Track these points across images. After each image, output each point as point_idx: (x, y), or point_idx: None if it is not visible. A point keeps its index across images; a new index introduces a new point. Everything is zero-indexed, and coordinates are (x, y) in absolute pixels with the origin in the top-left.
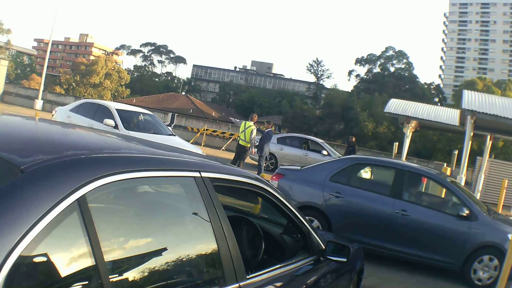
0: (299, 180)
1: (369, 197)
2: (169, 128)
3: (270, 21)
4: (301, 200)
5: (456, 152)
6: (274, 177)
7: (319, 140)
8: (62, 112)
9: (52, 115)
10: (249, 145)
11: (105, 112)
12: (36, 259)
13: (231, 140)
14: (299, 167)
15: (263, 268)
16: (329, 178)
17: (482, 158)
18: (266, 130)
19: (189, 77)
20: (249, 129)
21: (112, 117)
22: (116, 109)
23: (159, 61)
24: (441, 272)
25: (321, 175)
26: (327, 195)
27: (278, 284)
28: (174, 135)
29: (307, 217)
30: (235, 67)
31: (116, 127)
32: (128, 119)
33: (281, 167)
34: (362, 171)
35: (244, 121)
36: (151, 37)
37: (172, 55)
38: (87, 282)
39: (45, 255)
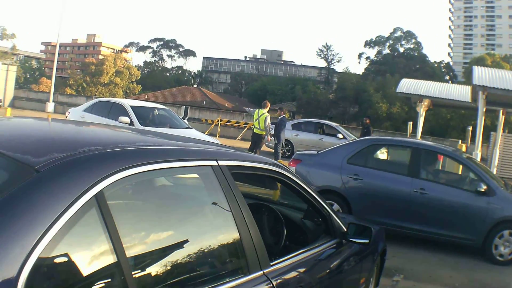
0: (317, 165)
1: (387, 178)
2: (185, 121)
3: (277, 9)
4: (319, 184)
5: (470, 128)
6: (291, 163)
7: (334, 124)
8: (75, 113)
9: (66, 117)
10: (264, 133)
11: (119, 110)
12: (57, 259)
13: (246, 129)
14: (315, 152)
15: (286, 254)
16: (346, 161)
17: (496, 134)
18: (280, 117)
19: (200, 69)
20: (262, 117)
21: (127, 114)
22: (131, 106)
23: (169, 56)
24: (462, 250)
25: (338, 158)
26: (345, 178)
27: (302, 269)
28: (191, 128)
29: (326, 201)
30: (245, 57)
31: (131, 124)
32: (143, 115)
33: (297, 152)
34: (378, 152)
35: (257, 109)
36: (159, 32)
37: (181, 49)
38: (110, 280)
39: (65, 254)
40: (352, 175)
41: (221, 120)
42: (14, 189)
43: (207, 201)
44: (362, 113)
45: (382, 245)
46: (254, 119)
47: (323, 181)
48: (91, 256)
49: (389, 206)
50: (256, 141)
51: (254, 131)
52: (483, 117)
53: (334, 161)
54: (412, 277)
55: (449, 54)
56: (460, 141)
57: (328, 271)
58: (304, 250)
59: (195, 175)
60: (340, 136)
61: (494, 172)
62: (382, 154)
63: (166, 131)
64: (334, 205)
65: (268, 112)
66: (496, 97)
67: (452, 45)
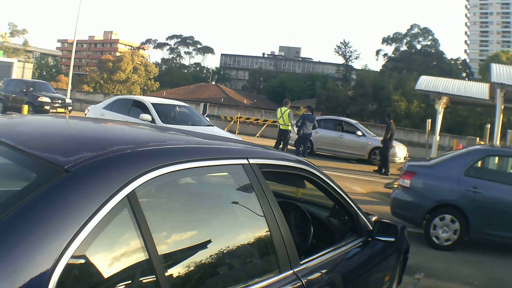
0: (433, 177)
1: (508, 190)
2: (206, 118)
3: (295, 5)
4: (436, 198)
5: (489, 126)
6: (405, 176)
7: (353, 121)
8: (95, 110)
9: (85, 114)
10: (289, 128)
11: (141, 107)
12: (89, 260)
13: (265, 126)
14: (428, 163)
15: (314, 252)
16: (463, 173)
17: None
18: (303, 115)
19: (218, 66)
20: (286, 113)
21: (148, 112)
22: (152, 103)
23: (186, 53)
24: (484, 248)
25: (455, 171)
26: (463, 191)
27: (331, 267)
28: (213, 126)
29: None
30: (263, 54)
31: (153, 121)
32: (165, 113)
33: (409, 163)
34: (495, 163)
35: (279, 108)
36: (177, 29)
37: (199, 46)
38: (142, 279)
39: (97, 255)
40: (470, 188)
41: (240, 117)
42: (43, 190)
43: (238, 199)
44: (381, 110)
45: (406, 243)
46: (278, 117)
47: (441, 194)
48: (123, 256)
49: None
50: (283, 136)
51: (280, 127)
52: (501, 115)
53: (450, 173)
54: (433, 275)
55: (465, 51)
56: (478, 138)
57: (355, 269)
58: (332, 249)
59: (226, 174)
60: (359, 133)
61: None
62: (499, 165)
63: (188, 128)
64: (446, 218)
65: (284, 107)
66: None
67: (468, 42)
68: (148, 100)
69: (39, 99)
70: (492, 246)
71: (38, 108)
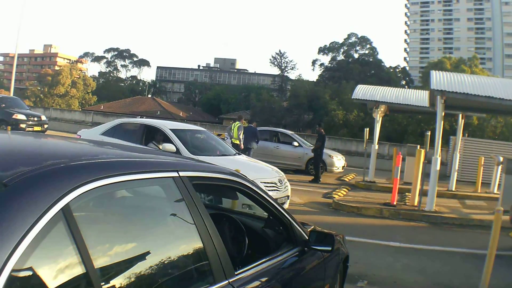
0: None
1: None
2: (229, 145)
3: (231, 17)
4: None
5: (429, 133)
6: None
7: (289, 132)
8: (89, 136)
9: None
10: (237, 141)
11: (157, 135)
12: (27, 273)
13: None
14: None
15: (249, 263)
16: None
17: (456, 138)
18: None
19: (154, 79)
20: (235, 127)
21: (169, 140)
22: (171, 129)
23: (123, 66)
24: (428, 256)
25: None
26: None
27: (266, 277)
28: (240, 154)
29: None
30: (199, 66)
31: (177, 152)
32: (189, 141)
33: None
34: None
35: (233, 123)
36: (114, 42)
37: (135, 59)
38: None
39: (36, 268)
40: None
41: None
42: None
43: (170, 212)
44: (317, 120)
45: (344, 252)
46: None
47: None
48: (60, 268)
49: None
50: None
51: (232, 141)
52: (442, 122)
53: None
54: (377, 283)
55: (405, 59)
56: (418, 146)
57: (291, 279)
58: (267, 259)
59: (158, 187)
60: (295, 144)
61: (455, 177)
62: None
63: (218, 159)
64: None
65: (238, 122)
66: (455, 101)
67: (408, 49)
68: (164, 125)
69: (13, 116)
70: (436, 253)
71: (13, 127)
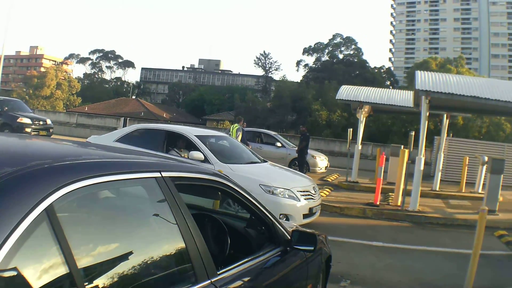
0: None
1: None
2: (253, 151)
3: (215, 18)
4: None
5: (413, 133)
6: None
7: (272, 133)
8: (102, 143)
9: None
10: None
11: (181, 142)
12: (11, 273)
13: None
14: None
15: (232, 263)
16: None
17: (440, 138)
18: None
19: (138, 80)
20: (234, 129)
21: (195, 148)
22: (196, 136)
23: (108, 67)
24: (411, 256)
25: None
26: None
27: (249, 277)
28: (266, 161)
29: None
30: (183, 67)
31: (205, 161)
32: (217, 148)
33: None
34: None
35: (232, 125)
36: (99, 43)
37: (120, 60)
38: None
39: (20, 268)
40: None
41: None
42: None
43: (153, 212)
44: (301, 121)
45: (327, 251)
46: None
47: None
48: (44, 269)
49: None
50: None
51: None
52: (426, 122)
53: None
54: (360, 282)
55: (390, 59)
56: (402, 146)
57: (274, 278)
58: (249, 258)
59: (140, 187)
60: (278, 144)
61: (439, 177)
62: None
63: (250, 168)
64: None
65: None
66: (440, 101)
67: (393, 50)
68: (188, 131)
69: (18, 120)
70: (420, 253)
71: (17, 131)
